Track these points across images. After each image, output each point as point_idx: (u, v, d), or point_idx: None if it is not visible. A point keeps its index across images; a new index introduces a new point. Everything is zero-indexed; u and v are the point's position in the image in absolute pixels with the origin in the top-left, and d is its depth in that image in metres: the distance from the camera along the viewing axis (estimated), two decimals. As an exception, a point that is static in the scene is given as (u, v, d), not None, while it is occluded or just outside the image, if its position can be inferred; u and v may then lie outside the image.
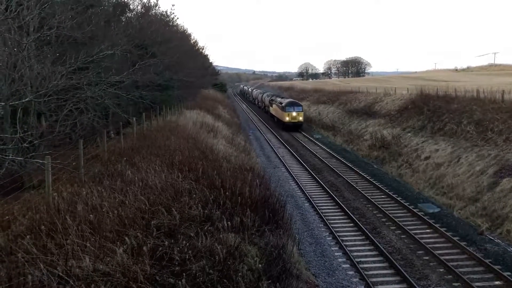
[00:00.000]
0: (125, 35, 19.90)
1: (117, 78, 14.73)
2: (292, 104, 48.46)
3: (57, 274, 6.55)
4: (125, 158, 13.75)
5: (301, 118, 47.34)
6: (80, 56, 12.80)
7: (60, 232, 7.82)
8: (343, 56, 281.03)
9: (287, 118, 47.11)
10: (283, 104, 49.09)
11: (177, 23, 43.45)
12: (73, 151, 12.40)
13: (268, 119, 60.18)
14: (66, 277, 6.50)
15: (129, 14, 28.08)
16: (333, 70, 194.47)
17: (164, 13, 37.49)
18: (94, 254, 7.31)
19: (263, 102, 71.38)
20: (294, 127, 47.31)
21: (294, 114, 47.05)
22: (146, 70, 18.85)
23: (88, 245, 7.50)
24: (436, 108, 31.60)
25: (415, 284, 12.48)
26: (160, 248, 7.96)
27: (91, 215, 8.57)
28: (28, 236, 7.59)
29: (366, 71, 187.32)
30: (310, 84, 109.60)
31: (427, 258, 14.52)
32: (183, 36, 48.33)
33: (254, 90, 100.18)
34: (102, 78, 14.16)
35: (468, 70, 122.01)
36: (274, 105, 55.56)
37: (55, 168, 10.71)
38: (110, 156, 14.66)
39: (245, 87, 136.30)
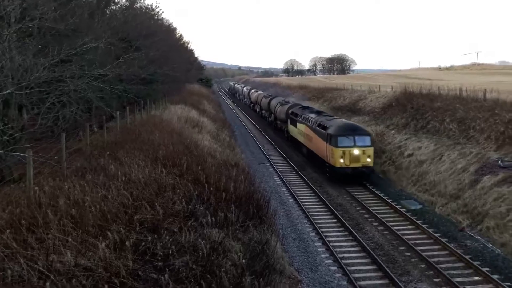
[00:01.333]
0: (109, 28, 19.64)
1: (100, 71, 14.53)
2: (349, 131, 24.82)
3: (38, 269, 6.45)
4: (108, 153, 13.60)
5: (369, 160, 24.19)
6: (63, 49, 12.59)
7: (41, 226, 7.70)
8: (328, 53, 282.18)
9: (341, 160, 23.80)
10: (330, 131, 25.08)
11: (162, 17, 43.15)
12: (55, 145, 12.22)
13: (255, 116, 59.34)
14: (47, 272, 6.40)
15: (113, 7, 27.78)
16: (319, 67, 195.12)
17: (149, 6, 37.20)
18: (76, 249, 7.22)
19: (270, 111, 47.54)
20: (356, 176, 23.98)
21: (355, 152, 23.88)
22: (130, 64, 18.63)
23: (70, 239, 7.40)
24: (419, 106, 31.93)
25: (397, 280, 12.62)
26: (143, 243, 7.90)
27: (73, 210, 8.46)
28: (8, 231, 7.46)
29: (351, 69, 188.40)
30: (295, 80, 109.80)
31: (409, 254, 14.69)
32: (168, 30, 47.98)
33: (252, 91, 71.22)
34: (86, 71, 13.95)
35: (451, 68, 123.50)
36: (301, 125, 31.19)
37: (37, 161, 10.55)
38: (93, 150, 14.48)
39: (237, 86, 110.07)
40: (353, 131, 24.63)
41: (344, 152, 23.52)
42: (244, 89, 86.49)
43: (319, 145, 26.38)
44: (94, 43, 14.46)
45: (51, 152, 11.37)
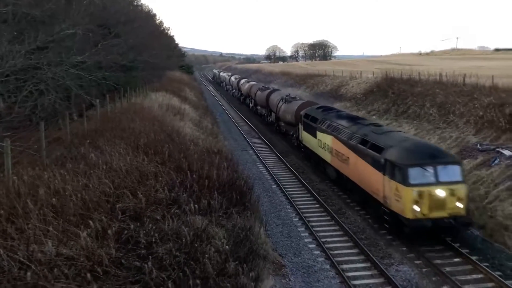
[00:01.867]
0: (87, 14, 19.21)
1: (79, 59, 14.28)
2: (426, 158, 14.53)
3: (18, 260, 6.37)
4: (88, 141, 13.44)
5: (460, 205, 14.02)
6: (40, 35, 12.32)
7: (21, 216, 7.60)
8: (310, 39, 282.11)
9: (415, 208, 13.82)
10: (390, 155, 15.07)
11: (141, 3, 42.47)
12: (34, 134, 12.00)
13: (238, 103, 59.02)
14: (27, 262, 6.33)
15: (91, -8, 27.12)
16: (300, 53, 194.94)
17: (128, -8, 36.49)
18: (57, 238, 7.15)
19: (269, 108, 37.45)
20: (438, 231, 14.43)
21: (439, 193, 13.91)
22: (109, 51, 18.33)
23: (51, 229, 7.32)
24: (400, 92, 32.22)
25: (378, 263, 12.82)
26: (126, 232, 7.87)
27: (53, 199, 8.36)
28: (-14, 221, 7.34)
29: (332, 55, 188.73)
30: (277, 67, 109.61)
31: (390, 237, 14.90)
32: (148, 17, 47.27)
33: (243, 81, 59.05)
34: (63, 58, 13.68)
35: (431, 54, 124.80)
36: (325, 136, 21.54)
37: (15, 151, 10.35)
38: (73, 138, 14.29)
39: (223, 74, 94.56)
40: (432, 157, 14.45)
41: (420, 194, 13.72)
42: (232, 78, 72.07)
43: (364, 174, 16.38)
44: (72, 29, 14.18)
45: (30, 141, 11.16)
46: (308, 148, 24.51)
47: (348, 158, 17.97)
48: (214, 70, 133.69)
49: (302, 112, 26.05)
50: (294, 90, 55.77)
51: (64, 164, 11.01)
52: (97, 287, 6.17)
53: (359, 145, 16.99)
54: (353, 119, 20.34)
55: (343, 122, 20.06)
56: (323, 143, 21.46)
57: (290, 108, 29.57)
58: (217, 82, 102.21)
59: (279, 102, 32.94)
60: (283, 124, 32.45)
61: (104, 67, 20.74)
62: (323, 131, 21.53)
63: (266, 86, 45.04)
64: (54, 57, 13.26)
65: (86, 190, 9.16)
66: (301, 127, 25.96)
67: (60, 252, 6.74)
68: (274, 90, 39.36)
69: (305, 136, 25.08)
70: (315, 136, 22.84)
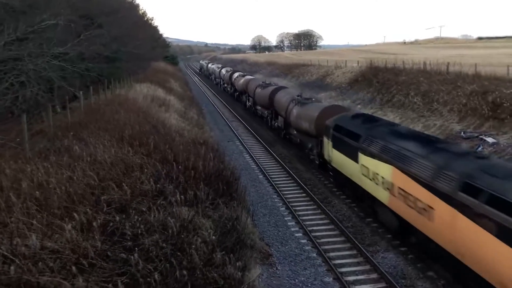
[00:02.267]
0: (69, 5, 18.91)
1: (61, 50, 14.05)
2: None
3: (1, 253, 6.29)
4: (72, 133, 13.28)
5: None
6: (20, 26, 12.07)
7: (4, 210, 7.50)
8: (295, 29, 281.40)
9: None
10: None
11: (124, -7, 41.84)
12: (16, 126, 11.81)
13: (224, 93, 58.72)
14: (11, 256, 6.25)
15: (72, -18, 26.64)
16: (286, 43, 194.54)
17: (110, -18, 35.89)
18: (42, 231, 7.07)
19: (274, 110, 30.80)
20: None
21: None
22: (92, 42, 18.06)
23: (35, 222, 7.24)
24: (385, 81, 32.41)
25: (364, 250, 12.95)
26: (111, 224, 7.81)
27: (37, 192, 8.26)
28: (-32, 216, 7.23)
29: (318, 44, 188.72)
30: (263, 57, 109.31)
31: (375, 225, 15.06)
32: (131, 7, 46.66)
33: (237, 75, 50.84)
34: (45, 50, 13.44)
35: (416, 43, 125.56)
36: (377, 163, 14.16)
37: (-4, 144, 10.19)
38: (56, 131, 14.09)
39: (212, 66, 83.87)
40: None
41: None
42: (223, 71, 62.12)
43: (472, 243, 9.72)
44: (53, 20, 13.90)
45: (12, 134, 10.99)
46: (342, 174, 17.43)
47: (432, 208, 11.07)
48: (201, 61, 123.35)
49: (330, 122, 18.58)
50: (280, 80, 55.72)
51: (48, 157, 10.86)
52: (82, 279, 6.12)
53: (462, 194, 9.97)
54: (427, 140, 13.46)
55: (411, 146, 13.00)
56: (372, 173, 14.49)
57: (307, 114, 22.13)
58: (205, 75, 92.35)
59: (289, 104, 25.70)
60: (296, 133, 25.05)
61: (87, 58, 20.44)
62: (371, 155, 14.57)
63: (267, 82, 36.94)
64: (35, 48, 13.02)
65: (70, 182, 9.06)
66: (328, 142, 18.84)
67: (44, 246, 6.67)
68: (281, 88, 32.02)
69: (337, 157, 17.81)
70: (355, 159, 15.77)
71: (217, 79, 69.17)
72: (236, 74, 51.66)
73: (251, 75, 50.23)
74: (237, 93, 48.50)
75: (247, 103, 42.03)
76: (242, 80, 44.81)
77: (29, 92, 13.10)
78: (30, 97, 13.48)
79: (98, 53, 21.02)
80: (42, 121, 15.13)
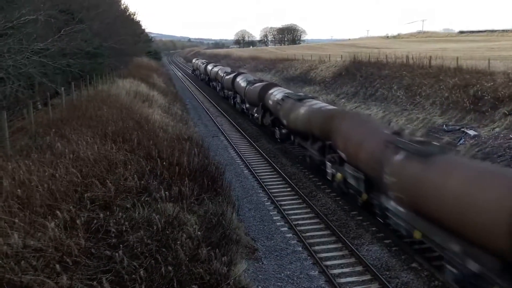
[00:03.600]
0: (49, -1, 18.61)
1: (41, 45, 13.81)
2: None
3: (-17, 253, 6.20)
4: (54, 130, 13.11)
5: None
6: (-2, 21, 11.85)
7: (-15, 209, 7.38)
8: (279, 24, 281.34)
9: None
10: None
11: (105, -13, 41.25)
12: (-4, 124, 11.61)
13: (207, 88, 58.35)
14: (-7, 256, 6.16)
15: (52, -23, 26.20)
16: (270, 37, 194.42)
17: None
18: (24, 230, 6.98)
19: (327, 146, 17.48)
20: None
21: None
22: (73, 37, 17.81)
23: (17, 221, 7.14)
24: (368, 75, 32.63)
25: (349, 243, 13.06)
26: (95, 221, 7.76)
27: (18, 190, 8.14)
28: None
29: (301, 39, 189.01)
30: (247, 52, 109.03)
31: (360, 218, 15.19)
32: (113, 1, 46.09)
33: (256, 85, 29.38)
34: (24, 45, 13.21)
35: (398, 37, 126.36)
36: None
37: (-24, 142, 10.01)
38: (37, 128, 13.90)
39: (213, 70, 53.00)
40: None
41: None
42: (226, 77, 41.02)
43: None
44: (33, 15, 13.65)
45: (-9, 131, 10.80)
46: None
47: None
48: (194, 61, 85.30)
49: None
50: (264, 75, 55.63)
51: (29, 154, 10.72)
52: (67, 277, 6.07)
53: None
54: None
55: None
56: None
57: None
58: (202, 80, 64.05)
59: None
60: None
61: (69, 54, 20.16)
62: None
63: (306, 95, 24.42)
64: (14, 44, 12.78)
65: (53, 180, 8.96)
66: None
67: (27, 244, 6.59)
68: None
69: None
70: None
71: (226, 91, 42.74)
72: (253, 85, 30.65)
73: (279, 86, 30.80)
74: (245, 106, 33.48)
75: (269, 123, 26.49)
76: (268, 93, 27.83)
77: (9, 88, 12.88)
78: (10, 94, 13.26)
79: (80, 49, 20.74)
80: (23, 118, 14.89)
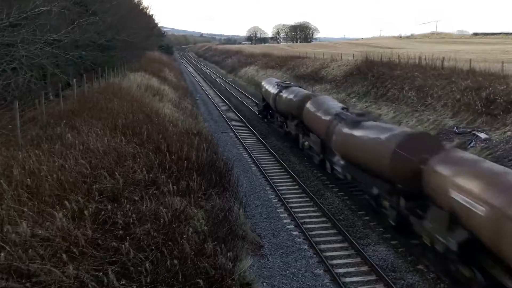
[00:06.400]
0: (63, -9, 18.69)
1: (54, 37, 13.89)
2: None
3: (-8, 241, 6.27)
4: (64, 121, 13.21)
5: None
6: (13, 12, 11.93)
7: (-6, 197, 7.46)
8: (291, 21, 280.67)
9: None
10: None
11: (120, -20, 41.39)
12: (8, 113, 11.72)
13: (218, 83, 58.33)
14: (1, 243, 6.23)
15: (66, -32, 26.33)
16: (282, 34, 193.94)
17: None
18: (33, 219, 7.05)
19: None
20: None
21: None
22: (86, 29, 17.89)
23: (26, 210, 7.21)
24: (380, 74, 32.40)
25: (355, 243, 13.02)
26: (103, 212, 7.80)
27: (28, 179, 8.22)
28: (-42, 202, 7.19)
29: (313, 37, 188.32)
30: (258, 48, 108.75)
31: (367, 218, 15.14)
32: (127, -5, 46.19)
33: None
34: (38, 36, 13.29)
35: (411, 37, 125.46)
36: None
37: (-12, 130, 10.12)
38: (48, 119, 14.02)
39: (269, 88, 28.79)
40: None
41: None
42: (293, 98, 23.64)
43: None
44: (47, 6, 13.73)
45: (3, 120, 10.91)
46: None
47: None
48: (264, 84, 33.12)
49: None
50: (275, 72, 55.56)
51: (40, 144, 10.81)
52: (73, 267, 6.12)
53: None
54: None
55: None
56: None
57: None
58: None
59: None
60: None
61: (81, 46, 20.28)
62: None
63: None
64: (28, 34, 12.85)
65: (62, 170, 9.03)
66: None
67: (35, 233, 6.66)
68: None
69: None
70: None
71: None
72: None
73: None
74: None
75: None
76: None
77: (22, 78, 12.98)
78: (23, 84, 13.37)
79: (92, 41, 20.85)
80: (34, 108, 15.02)
